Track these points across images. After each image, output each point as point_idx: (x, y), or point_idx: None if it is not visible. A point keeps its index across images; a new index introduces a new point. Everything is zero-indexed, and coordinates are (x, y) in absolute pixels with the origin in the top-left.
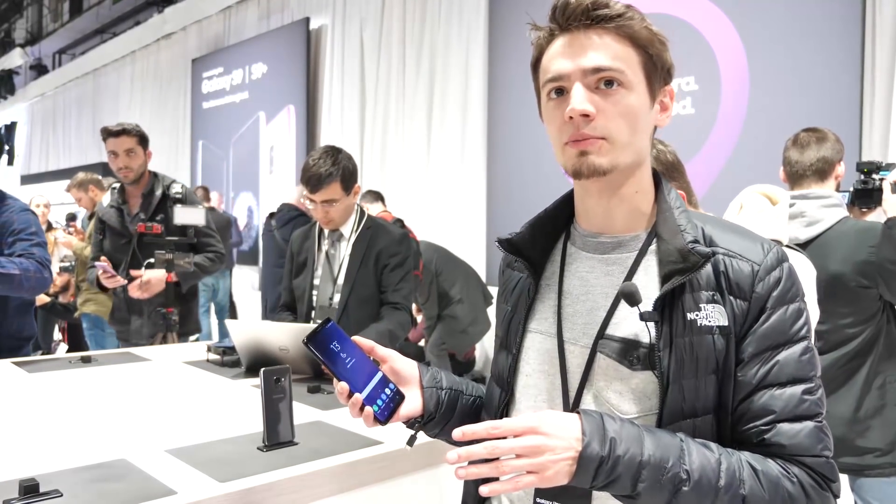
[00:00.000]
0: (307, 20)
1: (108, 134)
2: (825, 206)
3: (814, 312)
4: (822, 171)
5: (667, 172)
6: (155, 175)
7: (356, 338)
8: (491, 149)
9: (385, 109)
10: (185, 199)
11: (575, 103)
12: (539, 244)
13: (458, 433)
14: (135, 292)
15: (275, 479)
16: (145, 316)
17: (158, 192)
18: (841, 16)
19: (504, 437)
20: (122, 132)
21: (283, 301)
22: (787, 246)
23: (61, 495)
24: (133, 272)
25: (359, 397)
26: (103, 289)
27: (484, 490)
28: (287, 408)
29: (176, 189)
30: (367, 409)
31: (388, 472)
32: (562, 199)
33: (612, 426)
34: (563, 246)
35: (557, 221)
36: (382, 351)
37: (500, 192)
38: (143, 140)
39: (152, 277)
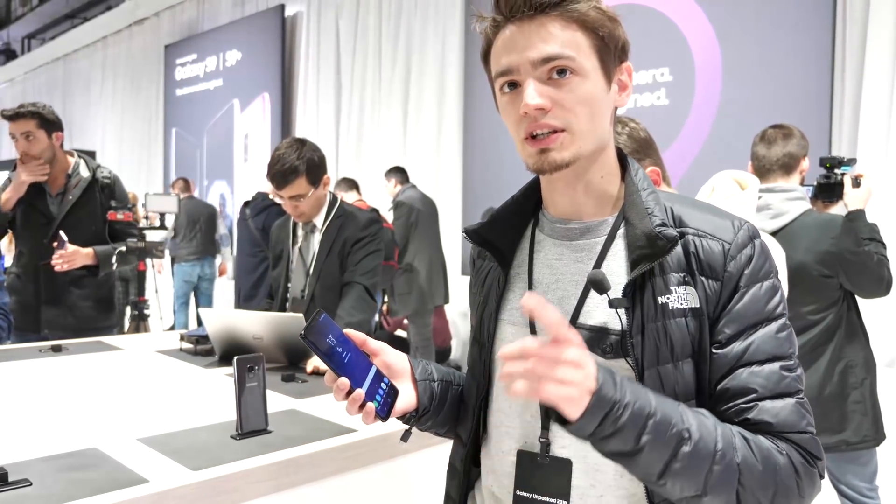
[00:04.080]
0: (282, 7)
1: (3, 117)
2: (789, 199)
3: (785, 291)
4: (787, 165)
5: (640, 149)
6: (80, 156)
7: (347, 330)
8: (466, 138)
9: (361, 98)
10: (114, 185)
11: (528, 98)
12: (507, 233)
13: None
14: (56, 261)
15: (247, 467)
16: (65, 307)
17: (86, 174)
18: (812, 9)
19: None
20: (16, 115)
21: (270, 291)
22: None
23: (30, 484)
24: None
25: (360, 393)
26: None
27: (508, 391)
28: (260, 396)
29: (104, 174)
30: (369, 405)
31: (361, 459)
32: (528, 186)
33: (619, 377)
34: (531, 233)
35: (525, 209)
36: (374, 344)
37: (475, 181)
38: (44, 122)
39: (78, 249)
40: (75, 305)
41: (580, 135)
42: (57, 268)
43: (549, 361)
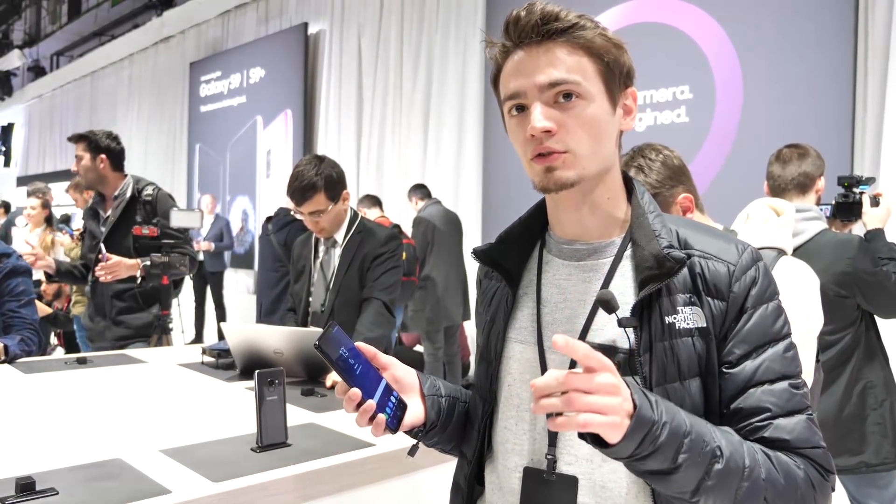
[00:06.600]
0: (305, 25)
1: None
2: (805, 219)
3: (818, 318)
4: (803, 185)
5: (674, 176)
6: (132, 177)
7: (359, 344)
8: (486, 154)
9: (382, 114)
10: (155, 204)
11: (534, 121)
12: (515, 253)
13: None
14: (98, 272)
15: (267, 479)
16: (109, 319)
17: (127, 195)
18: (833, 27)
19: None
20: (72, 138)
21: (290, 306)
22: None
23: (57, 493)
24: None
25: (372, 404)
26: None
27: (551, 425)
28: (280, 409)
29: (147, 192)
30: (380, 416)
31: (379, 473)
32: (535, 208)
33: (653, 396)
34: (538, 254)
35: (532, 230)
36: (384, 358)
37: (494, 198)
38: (90, 146)
39: (121, 260)
40: (117, 318)
41: (583, 157)
42: (101, 279)
43: (583, 391)
